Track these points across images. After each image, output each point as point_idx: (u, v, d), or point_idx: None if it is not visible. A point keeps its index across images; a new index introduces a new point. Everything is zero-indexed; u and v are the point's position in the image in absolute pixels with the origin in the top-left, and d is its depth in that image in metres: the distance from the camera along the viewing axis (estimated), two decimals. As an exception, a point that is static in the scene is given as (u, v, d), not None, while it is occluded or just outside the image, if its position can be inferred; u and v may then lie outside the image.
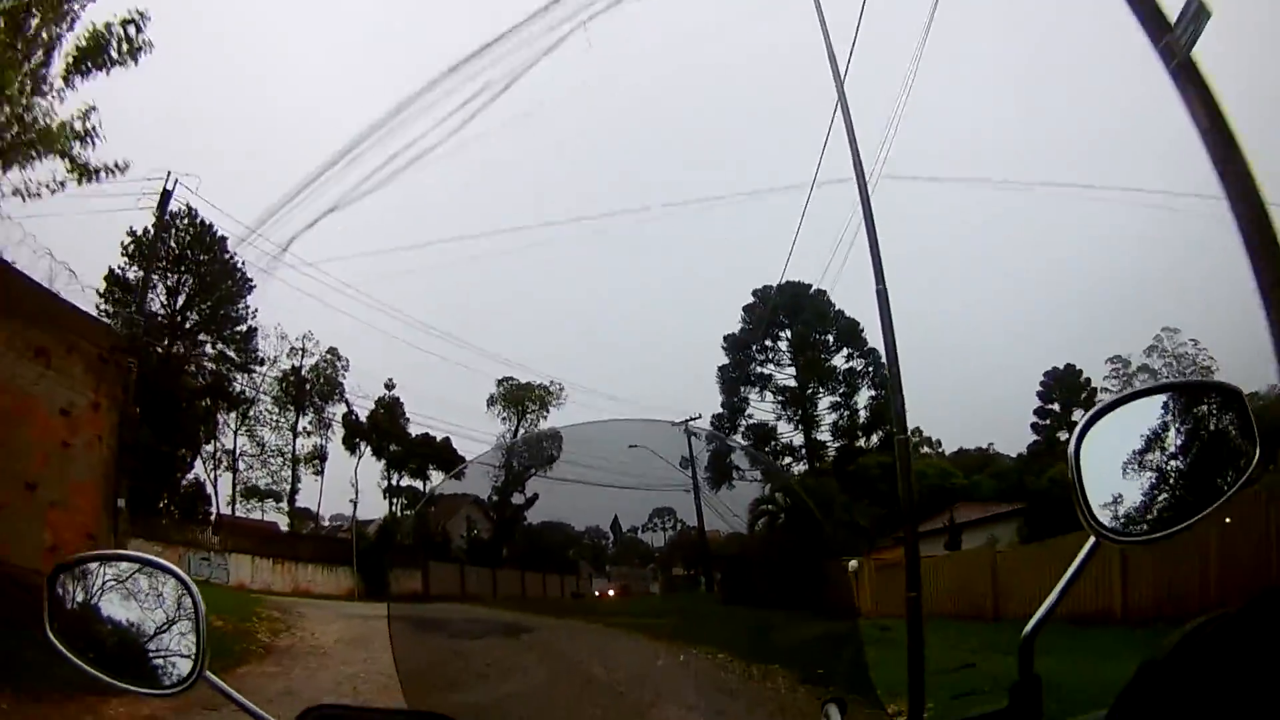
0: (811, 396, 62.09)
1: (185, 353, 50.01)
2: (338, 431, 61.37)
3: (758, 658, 2.41)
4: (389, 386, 62.34)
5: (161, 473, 42.04)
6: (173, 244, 49.08)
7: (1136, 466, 1.68)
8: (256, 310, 53.81)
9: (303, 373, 59.41)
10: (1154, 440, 1.71)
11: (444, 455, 57.90)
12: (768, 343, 62.64)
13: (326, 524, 63.82)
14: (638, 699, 2.42)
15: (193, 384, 50.05)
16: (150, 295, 43.44)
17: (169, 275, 49.71)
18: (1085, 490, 1.62)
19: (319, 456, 61.73)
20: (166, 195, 27.60)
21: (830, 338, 62.86)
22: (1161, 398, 1.74)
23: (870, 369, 59.91)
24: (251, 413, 57.74)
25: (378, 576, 40.71)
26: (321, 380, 60.45)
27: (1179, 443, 1.73)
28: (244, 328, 54.20)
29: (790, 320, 62.44)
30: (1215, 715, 1.20)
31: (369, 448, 61.91)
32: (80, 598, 1.78)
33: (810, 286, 54.65)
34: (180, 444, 46.60)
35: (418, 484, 62.16)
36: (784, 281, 53.95)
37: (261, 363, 56.44)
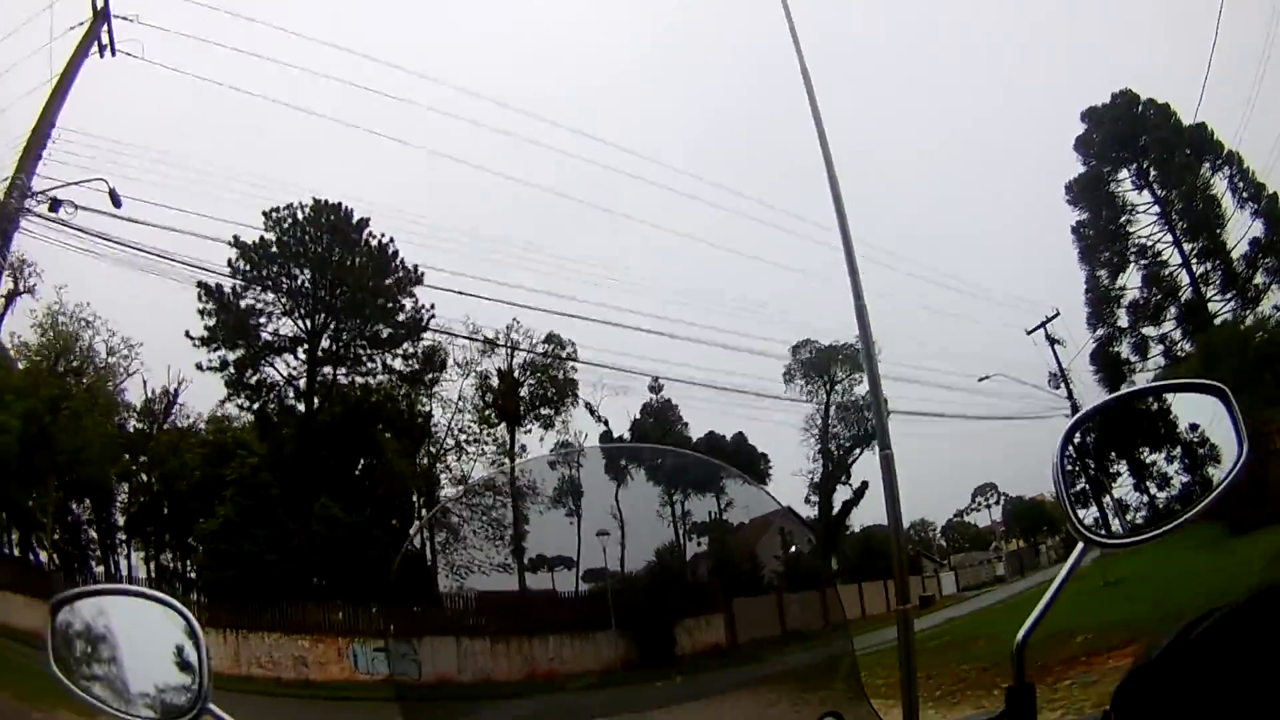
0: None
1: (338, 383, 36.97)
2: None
3: (756, 675, 2.43)
4: (655, 389, 46.24)
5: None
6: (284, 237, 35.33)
7: (1124, 469, 1.71)
8: (431, 307, 37.20)
9: (514, 373, 42.40)
10: (1142, 441, 1.74)
11: (740, 457, 44.46)
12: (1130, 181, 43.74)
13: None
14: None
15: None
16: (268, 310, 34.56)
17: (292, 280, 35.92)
18: (1071, 496, 1.61)
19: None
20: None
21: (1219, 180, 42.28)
22: (1149, 399, 1.78)
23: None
24: (449, 440, 41.03)
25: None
26: (544, 381, 43.74)
27: (1167, 443, 1.74)
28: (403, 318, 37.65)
29: (1140, 155, 43.78)
30: (1213, 711, 1.20)
31: (638, 468, 47.77)
32: (82, 631, 1.78)
33: (1157, 105, 41.83)
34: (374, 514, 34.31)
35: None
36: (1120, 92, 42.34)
37: (440, 365, 39.83)
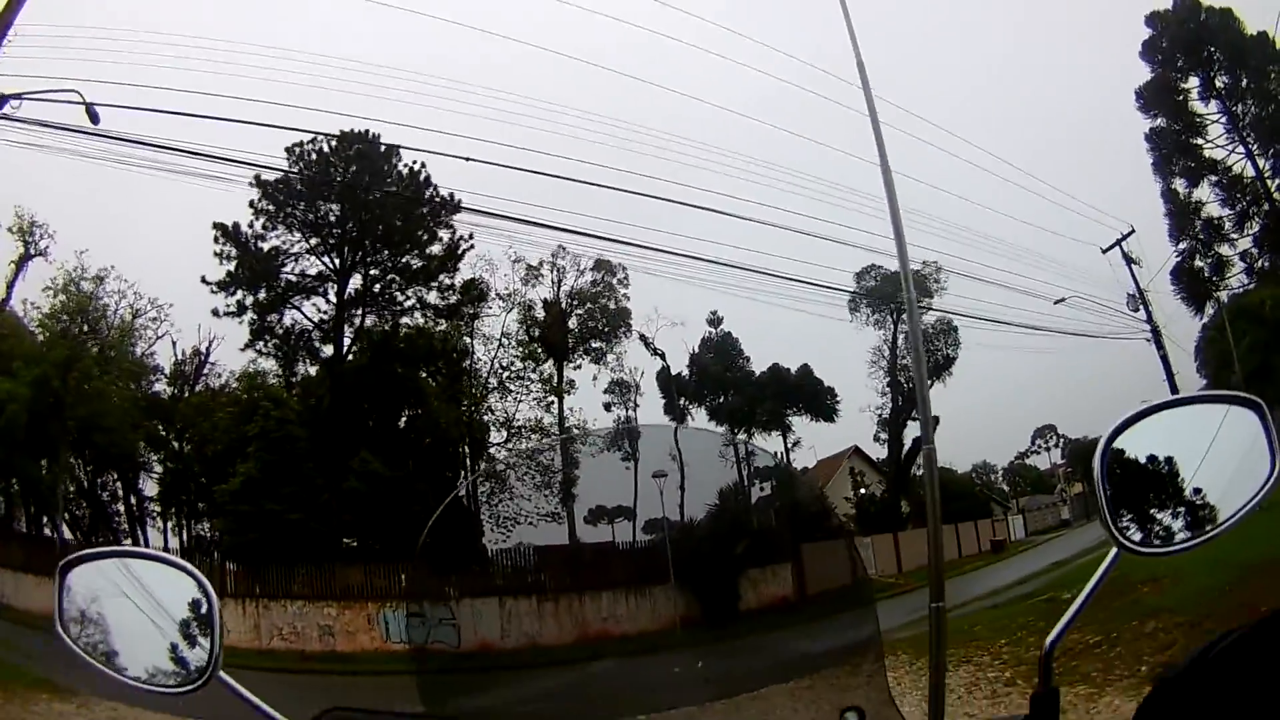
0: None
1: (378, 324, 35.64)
2: (644, 390, 42.46)
3: (778, 666, 2.54)
4: (714, 321, 44.62)
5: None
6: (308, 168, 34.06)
7: (1160, 478, 1.77)
8: (470, 236, 35.33)
9: (561, 304, 40.19)
10: (1178, 451, 1.79)
11: (807, 390, 44.33)
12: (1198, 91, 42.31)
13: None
14: (651, 707, 2.55)
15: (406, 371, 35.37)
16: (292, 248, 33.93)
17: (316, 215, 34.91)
18: (1110, 502, 1.72)
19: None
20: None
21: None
22: (1186, 409, 1.84)
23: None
24: (493, 380, 38.49)
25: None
26: (593, 311, 41.35)
27: (1202, 454, 1.80)
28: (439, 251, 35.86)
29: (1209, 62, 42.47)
30: None
31: (699, 407, 44.23)
32: (91, 593, 1.84)
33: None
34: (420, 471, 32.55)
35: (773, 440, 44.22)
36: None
37: (479, 298, 37.78)
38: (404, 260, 35.84)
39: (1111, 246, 39.70)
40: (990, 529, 41.92)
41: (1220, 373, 38.66)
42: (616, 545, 24.73)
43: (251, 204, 33.20)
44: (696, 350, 44.33)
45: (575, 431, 36.93)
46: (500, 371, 38.42)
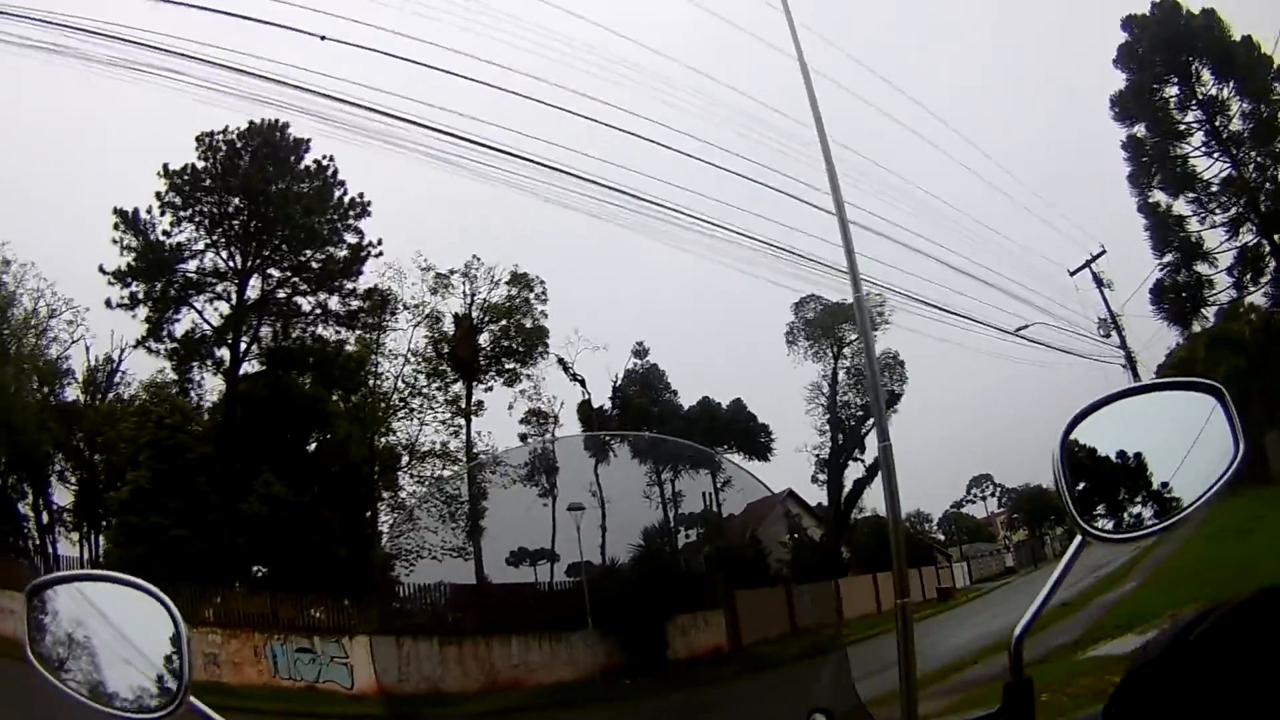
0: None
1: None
2: (563, 422, 40.11)
3: (744, 670, 2.60)
4: (640, 352, 43.46)
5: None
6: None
7: (1122, 465, 1.87)
8: (378, 243, 35.21)
9: (472, 318, 38.70)
10: (1139, 438, 1.89)
11: (739, 426, 43.06)
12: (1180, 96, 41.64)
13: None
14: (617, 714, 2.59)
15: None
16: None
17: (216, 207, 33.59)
18: (1071, 489, 1.80)
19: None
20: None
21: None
22: (1147, 396, 1.95)
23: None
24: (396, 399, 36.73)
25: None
26: (508, 328, 39.62)
27: (1164, 440, 1.91)
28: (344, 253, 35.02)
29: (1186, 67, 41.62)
30: (1211, 712, 1.31)
31: (622, 444, 42.71)
32: (59, 618, 1.89)
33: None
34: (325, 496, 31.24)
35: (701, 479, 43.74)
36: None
37: (381, 306, 36.39)
38: (307, 261, 34.85)
39: (1081, 268, 38.82)
40: (935, 576, 42.40)
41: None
42: (532, 585, 23.54)
43: (157, 195, 32.63)
44: (620, 380, 42.77)
45: (484, 458, 35.79)
46: (404, 389, 36.75)
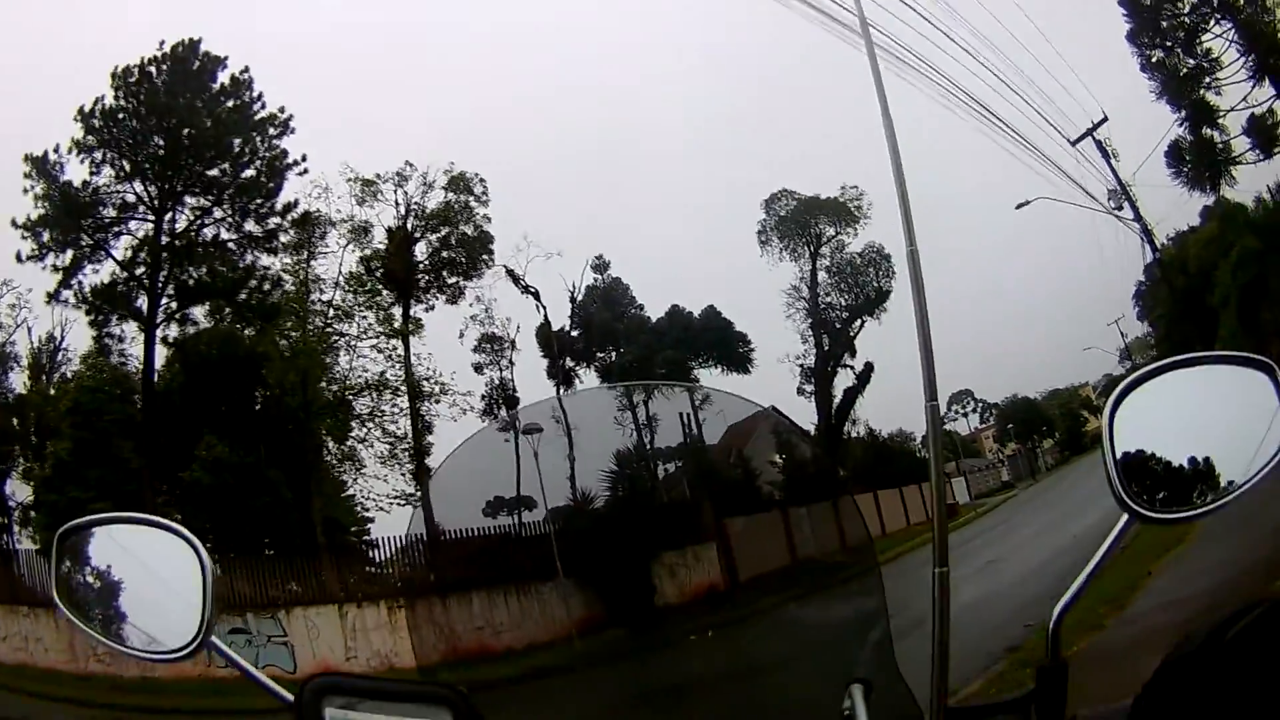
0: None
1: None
2: (520, 348, 38.22)
3: (779, 638, 2.63)
4: (599, 266, 41.42)
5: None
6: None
7: (1170, 441, 1.87)
8: (303, 159, 33.67)
9: (410, 229, 36.08)
10: (1187, 414, 1.91)
11: (714, 334, 41.67)
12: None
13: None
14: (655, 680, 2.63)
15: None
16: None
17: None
18: (1119, 465, 1.81)
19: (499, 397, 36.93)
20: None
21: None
22: (1195, 370, 1.92)
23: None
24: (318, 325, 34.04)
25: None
26: (450, 239, 37.09)
27: (1213, 417, 1.93)
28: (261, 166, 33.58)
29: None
30: (1244, 713, 1.35)
31: (587, 367, 40.35)
32: (86, 561, 2.00)
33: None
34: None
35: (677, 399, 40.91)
36: None
37: (306, 227, 34.24)
38: (226, 185, 33.22)
39: (1082, 137, 37.04)
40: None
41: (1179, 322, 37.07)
42: (492, 531, 23.15)
43: (75, 141, 31.46)
44: (580, 295, 40.97)
45: (428, 386, 34.46)
46: (335, 317, 34.36)
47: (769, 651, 2.55)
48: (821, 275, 42.60)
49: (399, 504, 31.57)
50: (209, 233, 33.25)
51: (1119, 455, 1.81)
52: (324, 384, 33.17)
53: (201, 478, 27.92)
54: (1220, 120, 37.27)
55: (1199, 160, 37.12)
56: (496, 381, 38.03)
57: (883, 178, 12.52)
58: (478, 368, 38.11)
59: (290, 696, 1.65)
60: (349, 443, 33.39)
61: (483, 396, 36.91)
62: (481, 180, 36.95)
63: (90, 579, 1.99)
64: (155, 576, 1.94)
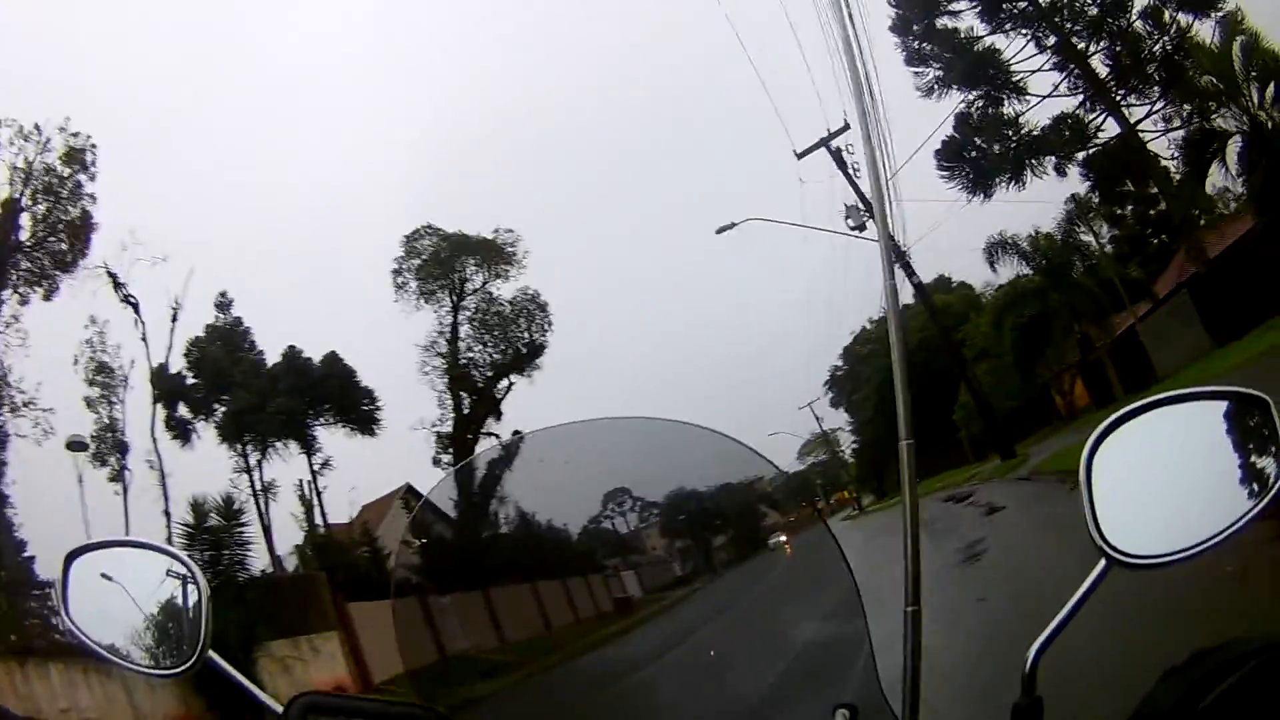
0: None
1: None
2: (133, 386, 33.97)
3: (762, 661, 2.67)
4: (223, 305, 37.89)
5: None
6: None
7: (1153, 481, 1.84)
8: None
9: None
10: (1173, 453, 1.85)
11: (334, 382, 37.84)
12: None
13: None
14: (643, 703, 2.72)
15: None
16: None
17: None
18: (1097, 507, 1.77)
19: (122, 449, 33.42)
20: None
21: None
22: (1183, 406, 1.87)
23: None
24: None
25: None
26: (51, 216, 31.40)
27: (1202, 456, 1.87)
28: None
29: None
30: None
31: (203, 420, 36.87)
32: (93, 582, 2.14)
33: None
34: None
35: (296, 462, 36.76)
36: None
37: None
38: None
39: (814, 147, 32.51)
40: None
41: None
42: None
43: None
44: (203, 335, 37.32)
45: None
46: None
47: (755, 675, 2.60)
48: (464, 326, 38.97)
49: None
50: None
51: (1097, 497, 1.77)
52: None
53: None
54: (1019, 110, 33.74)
55: (990, 141, 33.42)
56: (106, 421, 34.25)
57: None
58: (89, 402, 34.48)
59: (279, 708, 1.81)
60: None
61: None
62: (93, 146, 31.63)
63: (98, 599, 2.12)
64: (156, 598, 2.10)
